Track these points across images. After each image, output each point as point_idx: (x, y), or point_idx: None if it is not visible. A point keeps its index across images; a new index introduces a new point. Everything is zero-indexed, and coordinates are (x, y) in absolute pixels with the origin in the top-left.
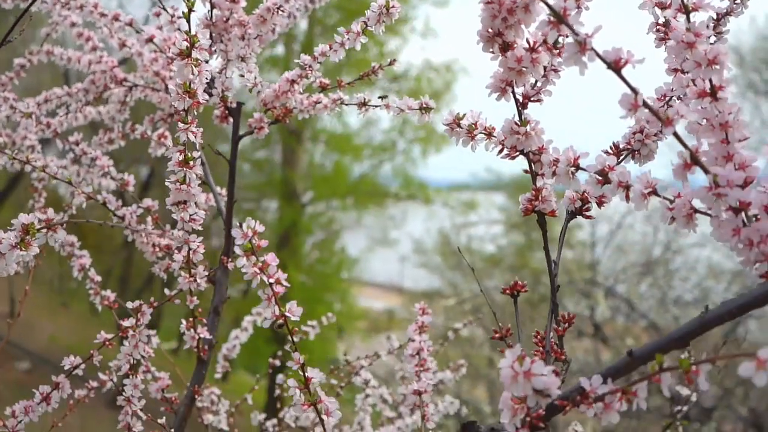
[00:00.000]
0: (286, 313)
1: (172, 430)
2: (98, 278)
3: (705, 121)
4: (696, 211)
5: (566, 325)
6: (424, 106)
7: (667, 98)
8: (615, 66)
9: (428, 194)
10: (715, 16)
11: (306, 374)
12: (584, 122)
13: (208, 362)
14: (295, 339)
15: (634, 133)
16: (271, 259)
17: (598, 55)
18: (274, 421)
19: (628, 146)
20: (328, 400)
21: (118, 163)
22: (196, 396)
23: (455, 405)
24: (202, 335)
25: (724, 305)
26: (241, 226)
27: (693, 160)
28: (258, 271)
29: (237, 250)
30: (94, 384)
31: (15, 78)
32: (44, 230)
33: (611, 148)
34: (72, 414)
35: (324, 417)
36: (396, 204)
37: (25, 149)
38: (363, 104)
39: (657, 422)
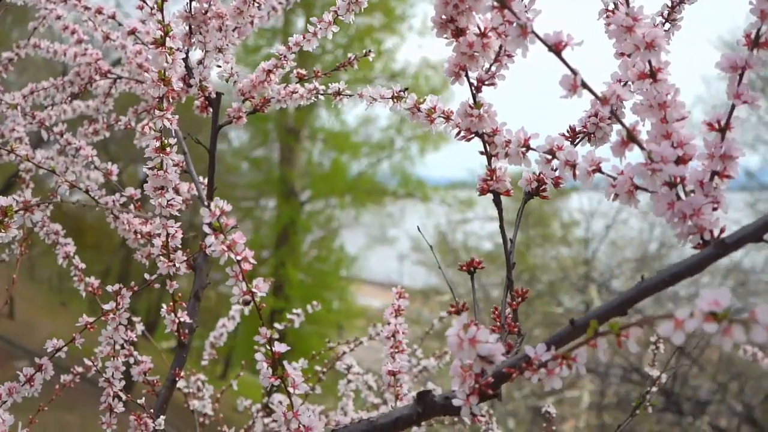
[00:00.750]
0: (253, 289)
1: (152, 410)
2: (82, 265)
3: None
4: (637, 187)
5: (520, 299)
6: (396, 95)
7: (621, 83)
8: (555, 48)
9: (426, 192)
10: (670, 3)
11: (273, 349)
12: (549, 109)
13: (189, 346)
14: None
15: (589, 117)
16: (239, 237)
17: (538, 38)
18: (258, 406)
19: (584, 129)
20: (294, 373)
21: (117, 163)
22: (177, 378)
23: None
24: (182, 319)
25: (659, 274)
26: (209, 206)
27: (630, 137)
28: (226, 249)
29: (205, 228)
30: (79, 369)
31: (3, 72)
32: (22, 211)
33: (567, 131)
34: (73, 414)
35: (291, 390)
36: (394, 202)
37: (13, 141)
38: (338, 93)
39: (649, 418)
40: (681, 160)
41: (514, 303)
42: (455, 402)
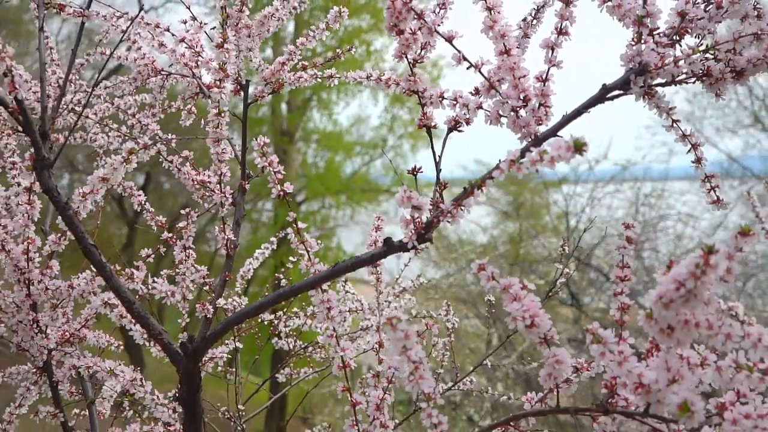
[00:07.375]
0: (284, 188)
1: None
2: (152, 210)
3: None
4: (501, 115)
5: (444, 185)
6: (369, 74)
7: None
8: (448, 39)
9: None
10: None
11: (298, 226)
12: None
13: (234, 257)
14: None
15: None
16: (275, 158)
17: (439, 33)
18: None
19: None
20: (311, 239)
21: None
22: (227, 279)
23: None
24: (229, 236)
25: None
26: (256, 139)
27: (490, 86)
28: (267, 165)
29: (254, 154)
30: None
31: (77, 74)
32: (142, 150)
33: (474, 89)
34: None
35: (309, 249)
36: (389, 200)
37: (92, 124)
38: (331, 77)
39: None
40: (525, 99)
41: (440, 188)
42: (404, 240)
